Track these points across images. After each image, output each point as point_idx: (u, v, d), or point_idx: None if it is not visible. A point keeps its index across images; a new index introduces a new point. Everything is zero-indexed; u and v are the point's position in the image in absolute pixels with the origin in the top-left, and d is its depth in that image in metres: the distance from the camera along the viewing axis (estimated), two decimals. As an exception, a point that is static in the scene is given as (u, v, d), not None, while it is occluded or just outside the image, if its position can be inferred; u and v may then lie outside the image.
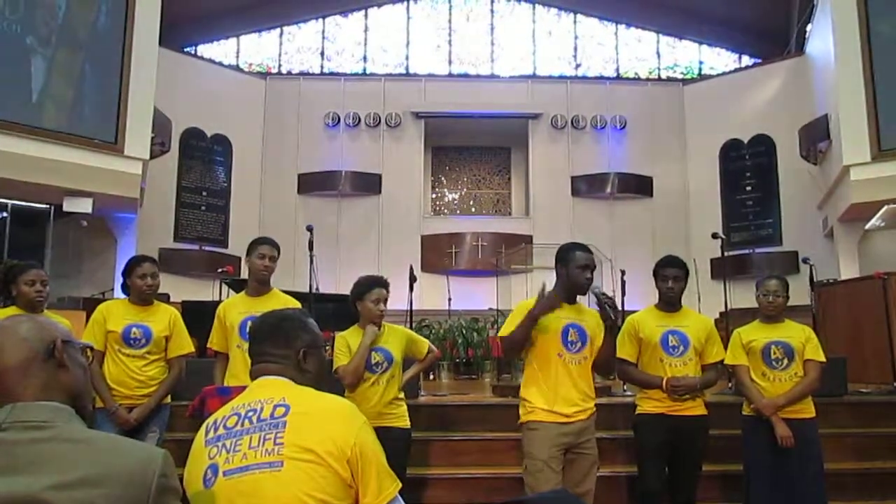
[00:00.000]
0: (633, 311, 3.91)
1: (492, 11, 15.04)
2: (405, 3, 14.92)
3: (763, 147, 12.75)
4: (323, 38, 14.78)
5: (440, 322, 9.66)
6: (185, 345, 3.89)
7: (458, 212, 14.38)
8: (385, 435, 3.07)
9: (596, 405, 3.39)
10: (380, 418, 3.45)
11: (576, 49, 14.87)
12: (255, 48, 14.70)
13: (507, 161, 14.61)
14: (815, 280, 6.99)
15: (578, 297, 3.41)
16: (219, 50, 14.53)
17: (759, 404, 3.61)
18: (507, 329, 3.30)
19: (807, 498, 3.53)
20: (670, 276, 3.69)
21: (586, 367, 3.32)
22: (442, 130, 13.92)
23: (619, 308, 3.31)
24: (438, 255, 13.09)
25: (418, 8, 14.97)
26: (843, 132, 9.72)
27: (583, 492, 3.21)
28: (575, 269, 3.29)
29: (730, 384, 5.66)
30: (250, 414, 1.64)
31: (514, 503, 1.30)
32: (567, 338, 3.24)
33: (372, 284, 3.67)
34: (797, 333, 3.74)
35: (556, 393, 3.20)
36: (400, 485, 1.68)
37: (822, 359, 3.71)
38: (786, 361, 3.66)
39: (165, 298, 6.80)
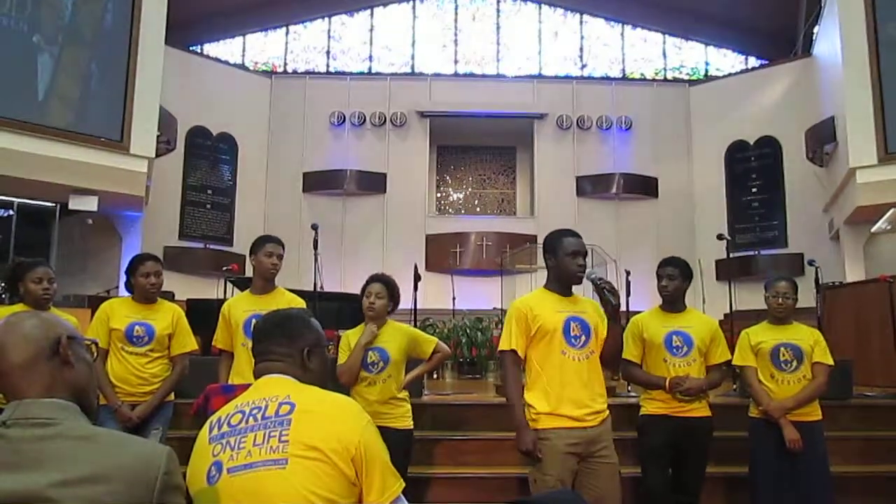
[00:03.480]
0: (638, 312, 3.90)
1: (498, 11, 15.04)
2: (411, 2, 14.93)
3: (769, 148, 12.71)
4: (329, 37, 14.80)
5: (444, 321, 9.65)
6: (188, 343, 3.90)
7: (462, 211, 14.39)
8: (383, 435, 3.06)
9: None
10: (377, 418, 3.39)
11: (582, 49, 14.86)
12: (261, 47, 14.73)
13: (512, 161, 14.61)
14: (820, 282, 6.97)
15: (575, 287, 3.13)
16: (224, 49, 14.56)
17: (768, 406, 3.59)
18: (506, 342, 3.04)
19: (813, 501, 3.52)
20: (664, 275, 3.69)
21: (595, 363, 3.02)
22: (447, 130, 13.92)
23: (618, 292, 3.01)
24: (443, 254, 13.09)
25: (424, 7, 14.98)
26: (850, 134, 9.69)
27: (608, 502, 2.95)
28: (565, 257, 3.03)
29: (734, 386, 5.64)
30: (255, 411, 1.64)
31: (519, 503, 1.29)
32: (569, 333, 2.96)
33: (370, 279, 3.71)
34: (806, 335, 3.73)
35: (561, 394, 2.91)
36: (403, 484, 1.68)
37: (831, 362, 3.70)
38: (795, 364, 3.65)
39: (170, 296, 6.81)
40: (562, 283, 3.09)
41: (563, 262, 3.04)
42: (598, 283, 2.98)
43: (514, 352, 3.01)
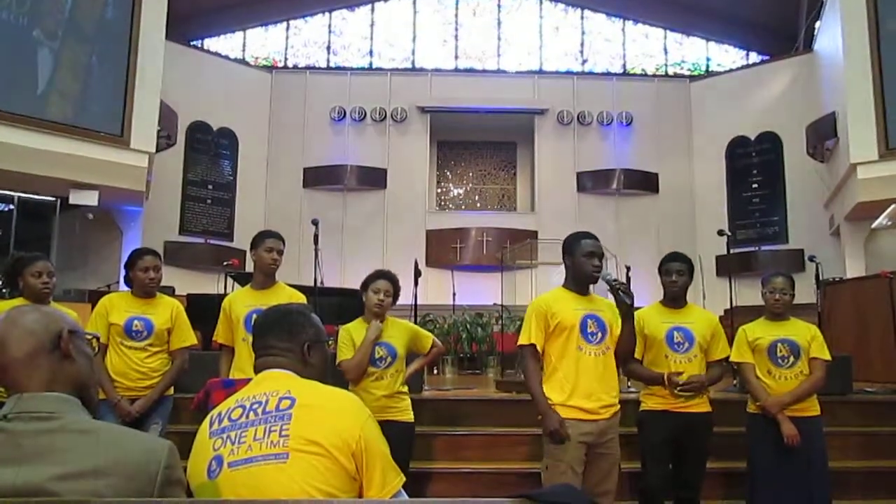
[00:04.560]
0: (638, 308, 3.89)
1: (499, 6, 15.01)
2: (412, -3, 14.92)
3: (770, 144, 12.71)
4: (329, 32, 14.78)
5: (444, 317, 9.66)
6: (187, 337, 3.90)
7: (463, 207, 14.39)
8: (388, 428, 3.06)
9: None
10: (383, 412, 3.47)
11: (583, 45, 14.84)
12: (262, 42, 14.70)
13: (512, 156, 14.60)
14: (820, 278, 6.97)
15: (592, 287, 3.30)
16: (225, 44, 14.53)
17: (766, 402, 3.59)
18: (526, 336, 3.20)
19: (811, 496, 3.52)
20: (673, 270, 3.68)
21: (609, 359, 3.20)
22: (448, 125, 13.91)
23: (632, 292, 3.16)
24: (443, 249, 13.10)
25: (425, 2, 14.94)
26: (851, 130, 9.69)
27: (602, 492, 3.11)
28: (581, 257, 3.18)
29: (734, 381, 5.64)
30: (255, 406, 1.64)
31: (520, 497, 1.29)
32: (587, 329, 3.14)
33: (376, 276, 3.71)
34: (803, 331, 3.72)
35: (575, 387, 3.09)
36: (404, 478, 1.68)
37: (828, 357, 3.69)
38: (792, 359, 3.64)
39: (171, 291, 6.82)
40: (578, 282, 3.25)
41: (580, 262, 3.20)
42: (612, 284, 3.12)
43: (533, 346, 3.18)
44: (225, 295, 4.79)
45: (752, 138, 12.89)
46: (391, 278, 3.71)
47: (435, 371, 8.36)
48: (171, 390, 3.88)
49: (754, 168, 12.87)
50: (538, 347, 3.18)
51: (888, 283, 6.77)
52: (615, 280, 3.14)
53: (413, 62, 14.67)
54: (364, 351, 3.55)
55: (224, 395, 2.66)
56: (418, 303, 6.84)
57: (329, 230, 10.88)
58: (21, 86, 8.66)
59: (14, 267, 3.65)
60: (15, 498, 1.22)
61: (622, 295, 3.10)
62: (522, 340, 3.23)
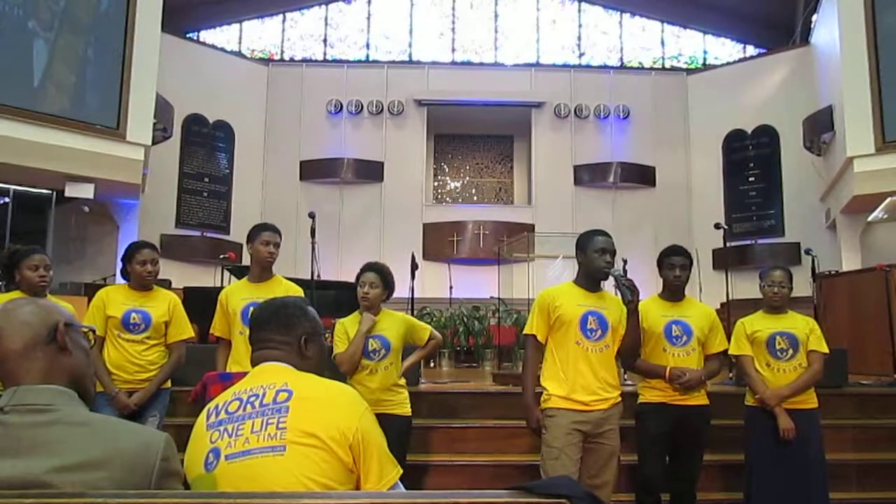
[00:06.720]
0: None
1: (496, -1, 14.98)
2: (409, -11, 14.86)
3: (766, 138, 12.72)
4: (326, 24, 14.73)
5: (441, 310, 9.67)
6: (184, 330, 3.90)
7: (459, 200, 14.37)
8: (384, 422, 3.07)
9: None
10: (378, 405, 3.45)
11: (580, 37, 14.81)
12: (258, 34, 14.66)
13: (509, 149, 14.59)
14: (816, 271, 6.98)
15: (604, 284, 3.37)
16: (221, 36, 14.49)
17: (764, 395, 3.61)
18: (529, 327, 3.33)
19: (808, 488, 3.54)
20: (678, 265, 3.67)
21: (608, 356, 3.26)
22: (444, 118, 13.89)
23: (638, 290, 3.21)
24: (440, 243, 13.10)
25: (422, -5, 14.91)
26: (847, 123, 9.69)
27: (599, 483, 3.15)
28: (592, 253, 3.25)
29: (731, 374, 5.66)
30: (252, 399, 1.64)
31: (517, 489, 1.29)
32: (586, 326, 3.20)
33: (364, 269, 3.73)
34: (801, 324, 3.74)
35: (573, 381, 3.16)
36: (401, 471, 1.68)
37: (826, 350, 3.70)
38: (790, 352, 3.66)
39: (167, 284, 6.81)
40: (589, 277, 3.31)
41: (591, 257, 3.27)
42: (619, 279, 3.17)
43: (534, 336, 3.29)
44: (222, 288, 4.78)
45: (749, 132, 12.90)
46: (377, 270, 3.71)
47: (432, 364, 8.37)
48: (169, 383, 3.88)
49: (751, 161, 12.88)
50: (539, 338, 3.27)
51: (884, 276, 6.80)
52: (622, 276, 3.19)
53: (410, 55, 14.63)
54: (357, 343, 3.55)
55: (221, 388, 2.65)
56: (415, 296, 6.85)
57: (326, 223, 10.88)
58: (16, 78, 8.61)
59: (10, 260, 3.64)
60: (12, 490, 1.21)
61: (625, 290, 3.15)
62: (525, 330, 3.37)
